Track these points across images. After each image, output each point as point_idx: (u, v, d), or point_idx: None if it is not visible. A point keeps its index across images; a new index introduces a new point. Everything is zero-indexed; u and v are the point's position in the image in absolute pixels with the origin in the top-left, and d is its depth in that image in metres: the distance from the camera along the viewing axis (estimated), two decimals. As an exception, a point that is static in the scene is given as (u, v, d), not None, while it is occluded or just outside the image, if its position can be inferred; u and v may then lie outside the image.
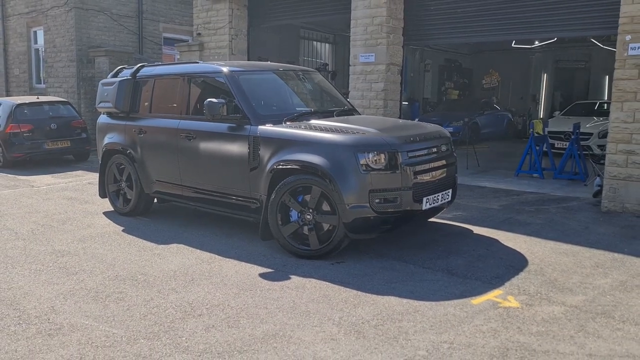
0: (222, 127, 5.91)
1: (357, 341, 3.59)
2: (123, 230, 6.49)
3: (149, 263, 5.26)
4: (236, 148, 5.79)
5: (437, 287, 4.52)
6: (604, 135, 12.92)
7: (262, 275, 4.87)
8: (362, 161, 4.99)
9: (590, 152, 9.97)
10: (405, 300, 4.24)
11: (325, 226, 5.29)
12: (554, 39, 15.36)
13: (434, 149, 5.54)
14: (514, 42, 16.05)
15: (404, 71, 9.68)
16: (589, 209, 7.36)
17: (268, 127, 5.60)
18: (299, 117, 5.92)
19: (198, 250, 5.64)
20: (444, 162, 5.61)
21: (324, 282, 4.66)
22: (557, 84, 20.32)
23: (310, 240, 5.27)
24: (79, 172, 11.13)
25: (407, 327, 3.77)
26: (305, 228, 5.32)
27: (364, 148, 5.03)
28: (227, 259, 5.34)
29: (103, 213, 7.39)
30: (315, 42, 16.14)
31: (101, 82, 7.59)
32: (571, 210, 7.27)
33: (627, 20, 6.85)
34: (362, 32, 9.34)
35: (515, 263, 5.11)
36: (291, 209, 5.39)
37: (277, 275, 4.88)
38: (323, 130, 5.38)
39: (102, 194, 7.58)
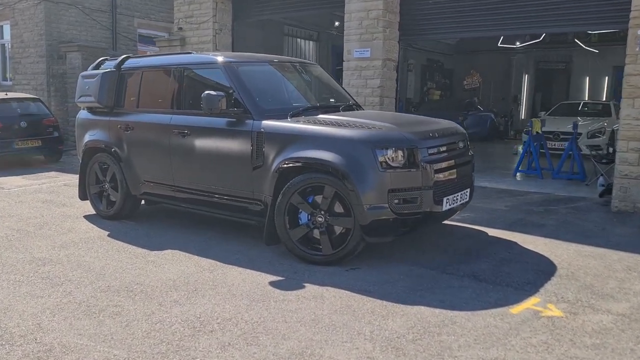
0: (221, 122, 5.44)
1: (398, 359, 3.17)
2: (109, 235, 5.93)
3: (143, 272, 4.74)
4: (237, 145, 5.32)
5: (468, 295, 4.14)
6: (592, 135, 12.88)
7: (273, 284, 4.41)
8: (381, 158, 4.58)
9: (595, 152, 9.77)
10: (437, 311, 3.85)
11: (338, 229, 4.86)
12: (540, 37, 15.26)
13: (452, 146, 5.18)
14: (500, 40, 15.90)
15: (399, 68, 9.33)
16: (598, 209, 7.11)
17: (273, 122, 5.15)
18: (303, 112, 5.48)
19: (196, 257, 5.14)
20: (462, 159, 5.25)
21: (343, 291, 4.23)
22: (537, 85, 20.34)
23: (322, 245, 4.84)
24: (52, 173, 10.44)
25: (449, 342, 3.38)
26: (316, 231, 4.89)
27: (382, 144, 4.62)
28: (230, 266, 4.86)
29: (84, 216, 6.80)
30: (299, 40, 15.71)
31: (81, 74, 7.00)
32: (581, 210, 7.01)
33: (638, 14, 6.63)
34: (357, 26, 8.95)
35: (543, 267, 4.78)
36: (300, 210, 4.95)
37: (290, 283, 4.42)
38: (335, 125, 4.95)
39: (83, 196, 6.99)
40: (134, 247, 5.49)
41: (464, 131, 5.58)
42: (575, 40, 16.45)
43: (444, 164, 4.92)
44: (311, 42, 16.11)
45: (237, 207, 5.44)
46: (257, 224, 5.43)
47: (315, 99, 6.30)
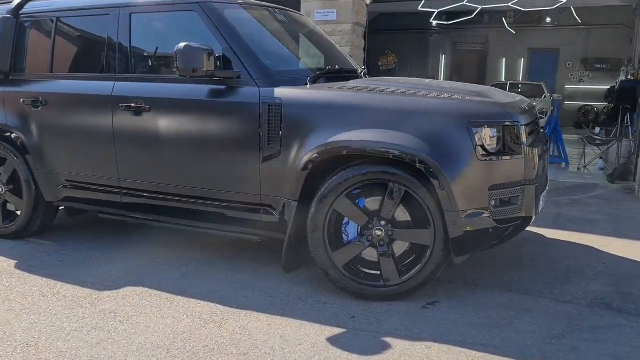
0: (202, 91, 3.60)
1: None
2: (17, 266, 3.86)
3: (105, 334, 2.85)
4: (233, 125, 3.53)
5: (633, 341, 2.81)
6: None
7: (337, 343, 2.76)
8: (478, 140, 3.09)
9: (590, 134, 8.98)
10: (630, 377, 2.47)
11: (399, 248, 3.30)
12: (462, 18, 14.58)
13: (537, 126, 3.83)
14: (434, 16, 15.01)
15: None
16: (625, 197, 6.25)
17: (294, 90, 3.44)
18: (324, 77, 3.82)
19: (180, 298, 3.31)
20: (547, 144, 3.93)
21: (454, 348, 2.70)
22: (454, 67, 19.98)
23: (384, 271, 3.25)
24: None
25: None
26: (370, 251, 3.29)
27: (479, 119, 3.13)
28: (245, 312, 3.12)
29: (-34, 235, 4.59)
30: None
31: (-46, 23, 4.68)
32: (610, 200, 6.08)
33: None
34: (319, -19, 7.33)
35: (670, 283, 3.61)
36: (347, 221, 3.32)
37: (362, 340, 2.80)
38: (398, 93, 3.36)
39: (-37, 205, 4.73)
40: (67, 285, 3.52)
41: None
42: (503, 19, 16.08)
43: (540, 149, 3.54)
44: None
45: (235, 218, 3.66)
46: (259, 241, 3.72)
47: (316, 61, 4.62)
